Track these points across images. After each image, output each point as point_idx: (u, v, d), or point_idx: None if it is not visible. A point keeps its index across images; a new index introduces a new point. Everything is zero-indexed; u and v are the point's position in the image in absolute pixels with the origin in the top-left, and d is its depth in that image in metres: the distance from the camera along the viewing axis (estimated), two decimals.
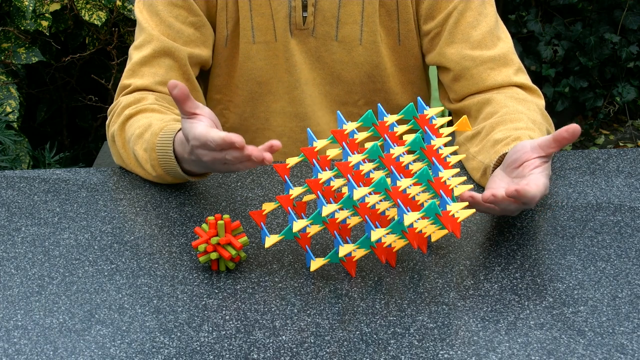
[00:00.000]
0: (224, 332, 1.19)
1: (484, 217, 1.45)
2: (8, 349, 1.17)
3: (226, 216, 1.31)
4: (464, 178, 1.31)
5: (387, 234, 1.28)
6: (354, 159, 1.29)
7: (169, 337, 1.18)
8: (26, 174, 1.62)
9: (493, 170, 1.46)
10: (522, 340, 1.17)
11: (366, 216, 1.28)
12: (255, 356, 1.14)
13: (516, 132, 1.49)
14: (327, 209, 1.25)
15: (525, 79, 1.67)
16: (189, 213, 1.48)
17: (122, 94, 1.67)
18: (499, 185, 1.39)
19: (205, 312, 1.23)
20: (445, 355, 1.14)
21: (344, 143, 1.32)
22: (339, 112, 1.36)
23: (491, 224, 1.43)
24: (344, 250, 1.27)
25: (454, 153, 1.66)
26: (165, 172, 1.50)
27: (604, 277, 1.30)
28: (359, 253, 1.28)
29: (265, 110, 1.75)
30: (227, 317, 1.22)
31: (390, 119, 1.35)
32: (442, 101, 1.76)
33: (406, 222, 1.23)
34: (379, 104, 1.38)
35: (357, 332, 1.18)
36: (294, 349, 1.15)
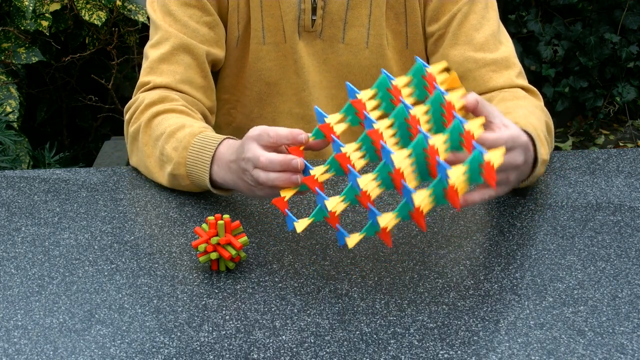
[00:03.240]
0: (224, 332, 1.19)
1: (484, 217, 1.45)
2: (8, 349, 1.17)
3: (226, 216, 1.31)
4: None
5: (430, 195, 1.21)
6: (381, 125, 1.26)
7: (169, 337, 1.18)
8: (26, 174, 1.62)
9: None
10: (522, 340, 1.17)
11: (402, 181, 1.22)
12: (255, 356, 1.14)
13: (516, 120, 1.47)
14: (362, 180, 1.21)
15: (526, 82, 1.68)
16: (189, 213, 1.48)
17: (141, 91, 1.65)
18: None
19: (205, 312, 1.23)
20: (445, 355, 1.14)
21: (365, 112, 1.30)
22: (348, 83, 1.35)
23: (491, 223, 1.44)
24: (383, 220, 1.21)
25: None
26: (187, 173, 1.49)
27: (604, 277, 1.30)
28: (393, 222, 1.22)
29: (272, 111, 1.74)
30: (227, 317, 1.22)
31: (400, 81, 1.33)
32: None
33: (451, 177, 1.17)
34: (382, 69, 1.35)
35: (357, 332, 1.18)
36: (294, 349, 1.15)
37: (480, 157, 1.18)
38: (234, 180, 1.41)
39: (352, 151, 1.28)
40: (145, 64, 1.67)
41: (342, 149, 1.28)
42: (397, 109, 1.27)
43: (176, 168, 1.50)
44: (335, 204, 1.24)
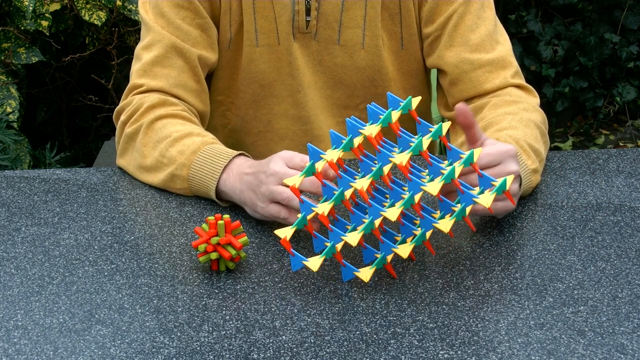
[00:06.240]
0: (224, 332, 1.19)
1: (484, 217, 1.45)
2: (8, 349, 1.17)
3: (226, 216, 1.31)
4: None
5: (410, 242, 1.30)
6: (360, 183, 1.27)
7: (169, 337, 1.18)
8: (26, 174, 1.62)
9: None
10: (522, 340, 1.17)
11: (421, 210, 1.29)
12: (255, 356, 1.14)
13: (497, 134, 1.50)
14: (391, 212, 1.24)
15: (522, 81, 1.68)
16: (189, 213, 1.48)
17: (134, 93, 1.64)
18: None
19: (205, 312, 1.23)
20: (445, 355, 1.14)
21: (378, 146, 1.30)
22: (349, 119, 1.34)
23: (491, 223, 1.43)
24: (404, 250, 1.27)
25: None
26: (189, 176, 1.49)
27: (604, 277, 1.30)
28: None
29: (267, 112, 1.74)
30: (227, 317, 1.22)
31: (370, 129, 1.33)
32: (439, 108, 1.76)
33: (440, 227, 1.27)
34: (388, 93, 1.35)
35: (357, 332, 1.18)
36: (294, 349, 1.15)
37: (469, 202, 1.27)
38: (242, 191, 1.43)
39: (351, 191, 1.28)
40: (137, 66, 1.66)
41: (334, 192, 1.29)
42: (375, 171, 1.27)
43: (179, 169, 1.50)
44: (358, 238, 1.25)
